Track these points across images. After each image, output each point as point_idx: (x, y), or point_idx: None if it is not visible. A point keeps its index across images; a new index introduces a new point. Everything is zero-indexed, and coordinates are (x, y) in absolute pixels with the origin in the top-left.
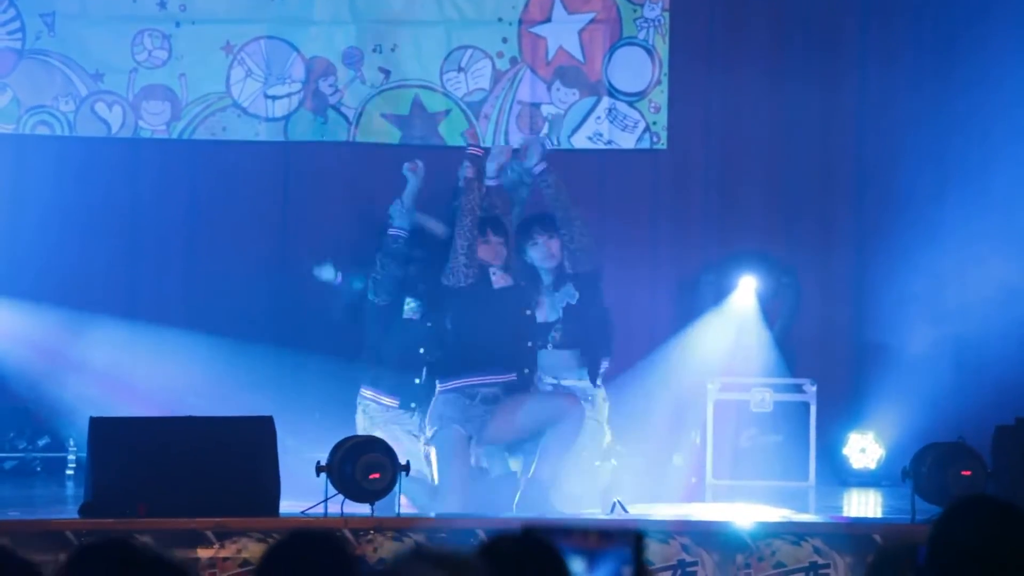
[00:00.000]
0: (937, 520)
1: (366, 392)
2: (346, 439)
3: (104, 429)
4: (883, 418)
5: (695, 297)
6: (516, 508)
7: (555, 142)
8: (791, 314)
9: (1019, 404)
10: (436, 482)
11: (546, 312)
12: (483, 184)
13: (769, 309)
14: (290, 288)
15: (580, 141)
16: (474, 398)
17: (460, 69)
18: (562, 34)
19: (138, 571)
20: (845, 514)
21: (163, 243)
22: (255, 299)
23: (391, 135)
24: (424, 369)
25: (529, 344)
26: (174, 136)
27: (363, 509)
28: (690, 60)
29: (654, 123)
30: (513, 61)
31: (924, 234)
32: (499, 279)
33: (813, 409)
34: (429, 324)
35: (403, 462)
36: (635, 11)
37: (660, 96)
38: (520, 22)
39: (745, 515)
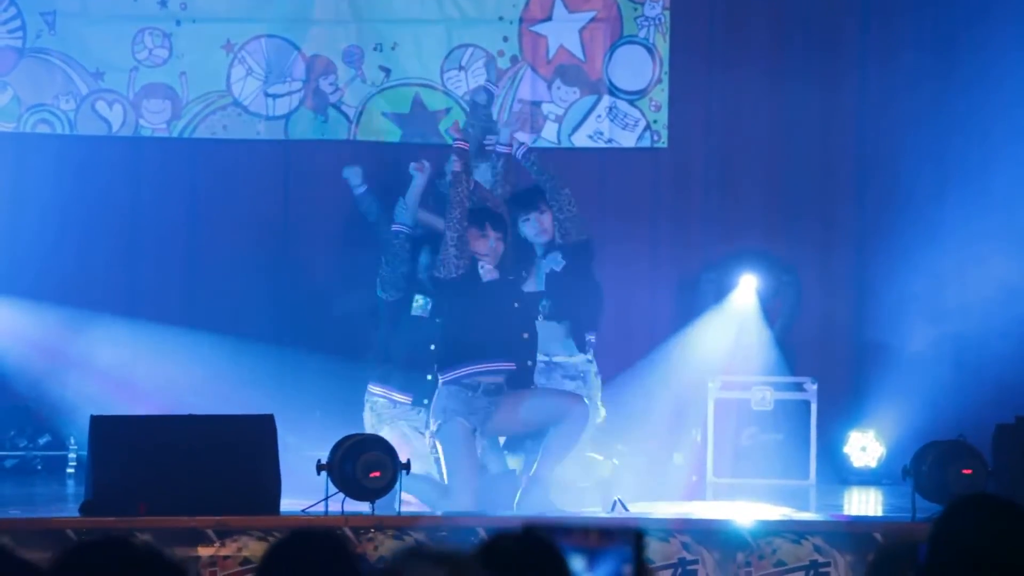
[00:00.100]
0: (938, 519)
1: (374, 388)
2: (347, 437)
3: (105, 427)
4: (884, 416)
5: (696, 295)
6: (517, 507)
7: (557, 140)
8: (792, 313)
9: (1019, 403)
10: (445, 480)
11: (534, 283)
12: (471, 177)
13: (770, 308)
14: (290, 287)
15: (581, 140)
16: (476, 390)
17: (461, 68)
18: (563, 33)
19: (136, 570)
20: (846, 512)
21: (164, 241)
22: (255, 297)
23: (392, 133)
24: (435, 366)
25: (525, 336)
26: (174, 135)
27: (364, 507)
28: (691, 59)
29: (655, 122)
30: (514, 60)
31: (924, 233)
32: (488, 272)
33: (814, 407)
34: (438, 320)
35: (406, 460)
36: (636, 10)
37: (661, 95)
38: (521, 20)
39: (746, 513)
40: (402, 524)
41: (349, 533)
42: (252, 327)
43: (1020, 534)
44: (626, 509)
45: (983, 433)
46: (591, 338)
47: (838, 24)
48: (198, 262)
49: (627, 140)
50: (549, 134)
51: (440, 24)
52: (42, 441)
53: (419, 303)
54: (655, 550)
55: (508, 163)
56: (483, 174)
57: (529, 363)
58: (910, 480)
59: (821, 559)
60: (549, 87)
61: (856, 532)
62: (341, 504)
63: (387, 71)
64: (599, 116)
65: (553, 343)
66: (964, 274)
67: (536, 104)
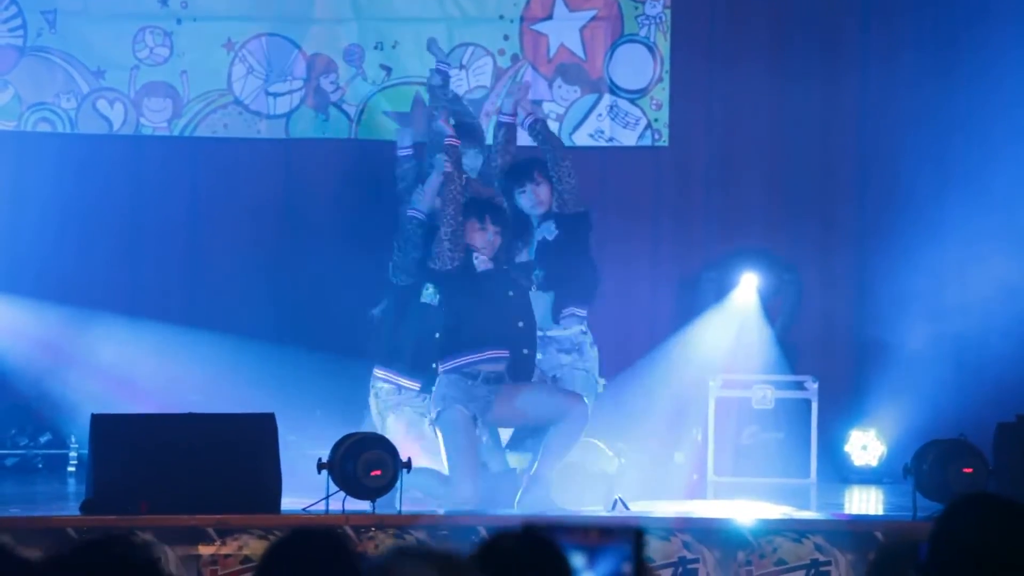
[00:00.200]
0: (939, 518)
1: (379, 373)
2: (348, 436)
3: (106, 426)
4: (884, 415)
5: (696, 294)
6: (518, 505)
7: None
8: (792, 311)
9: (1020, 401)
10: (446, 469)
11: (527, 254)
12: (462, 173)
13: (770, 306)
14: (291, 285)
15: (581, 138)
16: (476, 378)
17: (462, 66)
18: (563, 31)
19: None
20: (846, 511)
21: (164, 240)
22: (256, 296)
23: (392, 132)
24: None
25: (520, 324)
26: (175, 133)
27: (365, 506)
28: (691, 57)
29: (655, 120)
30: (515, 58)
31: (925, 232)
32: (482, 263)
33: (814, 406)
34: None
35: (407, 456)
36: (636, 8)
37: (661, 93)
38: (521, 19)
39: (746, 512)
40: (403, 523)
41: (350, 532)
42: (253, 326)
43: (1021, 533)
44: (627, 508)
45: (984, 432)
46: (576, 312)
47: (839, 23)
48: (199, 261)
49: (628, 139)
50: None
51: (441, 23)
52: (43, 439)
53: (429, 290)
54: (656, 549)
55: (510, 133)
56: (472, 160)
57: (525, 351)
58: (911, 479)
59: (822, 558)
60: (550, 86)
61: (857, 531)
62: (342, 503)
63: (388, 70)
64: (600, 115)
65: (548, 316)
66: (965, 273)
67: (537, 103)
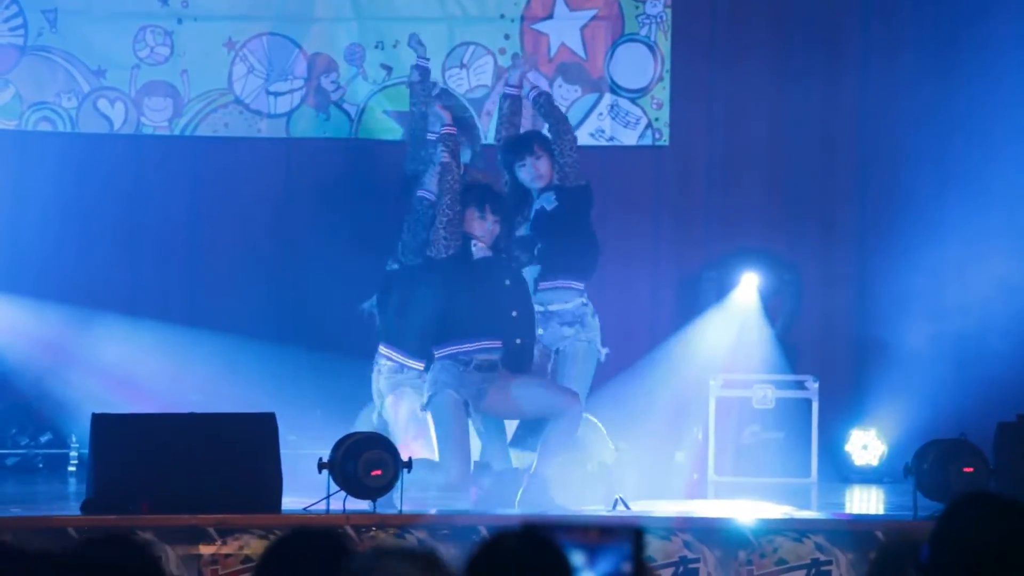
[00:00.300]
0: (939, 517)
1: (384, 350)
2: (348, 435)
3: (106, 426)
4: (885, 415)
5: (697, 294)
6: (518, 504)
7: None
8: (793, 311)
9: (1021, 401)
10: (436, 454)
11: (526, 228)
12: (460, 163)
13: (771, 306)
14: (292, 285)
15: (582, 138)
16: (469, 365)
17: (462, 66)
18: (564, 31)
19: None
20: (847, 511)
21: (165, 240)
22: (257, 295)
23: (393, 131)
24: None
25: (514, 314)
26: (176, 133)
27: (365, 506)
28: (692, 57)
29: (656, 120)
30: (515, 58)
31: (925, 231)
32: (480, 250)
33: (815, 406)
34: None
35: (407, 452)
36: (637, 7)
37: (662, 93)
38: (522, 19)
39: (747, 512)
40: (404, 522)
41: (350, 531)
42: (253, 325)
43: (1022, 533)
44: (628, 507)
45: (985, 431)
46: (573, 284)
47: (839, 23)
48: (199, 260)
49: (629, 138)
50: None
51: (442, 22)
52: (43, 439)
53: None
54: (657, 548)
55: (514, 105)
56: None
57: (518, 341)
58: (911, 478)
59: (823, 557)
60: (551, 85)
61: (858, 530)
62: (343, 502)
63: (388, 69)
64: (600, 114)
65: (547, 291)
66: (965, 272)
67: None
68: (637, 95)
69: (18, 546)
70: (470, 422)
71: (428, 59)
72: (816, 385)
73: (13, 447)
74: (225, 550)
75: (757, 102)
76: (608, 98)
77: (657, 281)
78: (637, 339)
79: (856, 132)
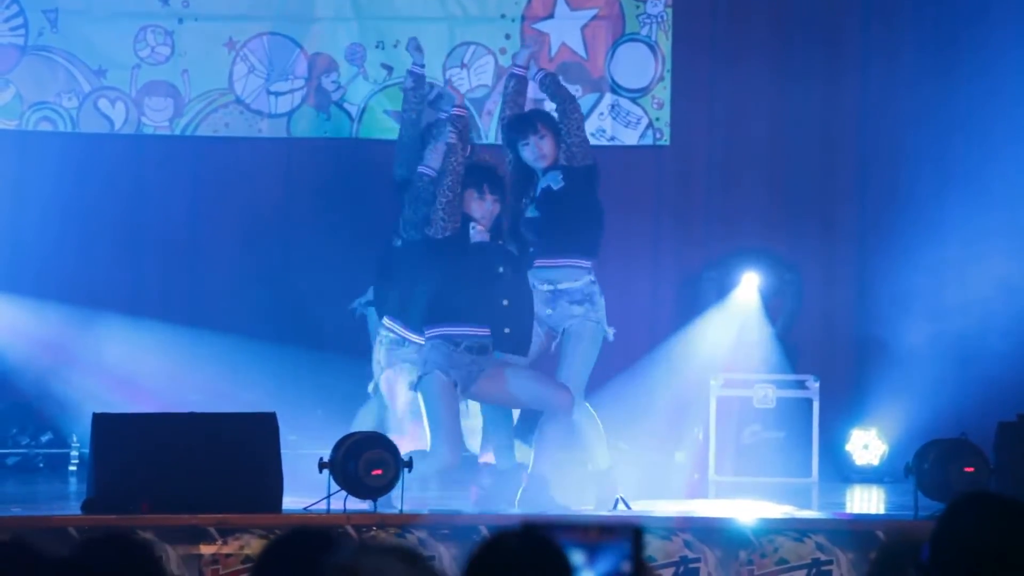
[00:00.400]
0: (940, 517)
1: (387, 323)
2: (349, 435)
3: (107, 425)
4: (886, 414)
5: (697, 293)
6: (519, 504)
7: None
8: (793, 310)
9: (1021, 400)
10: (427, 436)
11: (532, 208)
12: (467, 145)
13: (771, 305)
14: (292, 285)
15: None
16: (459, 346)
17: (463, 65)
18: (565, 30)
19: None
20: (848, 510)
21: (166, 239)
22: (258, 295)
23: (394, 131)
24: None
25: (505, 303)
26: (177, 132)
27: (366, 505)
28: (693, 56)
29: (657, 119)
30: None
31: (925, 231)
32: (478, 233)
33: (816, 405)
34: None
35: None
36: (638, 7)
37: (663, 92)
38: (523, 18)
39: (748, 511)
40: (404, 522)
41: (351, 531)
42: (254, 325)
43: (1022, 533)
44: (628, 507)
45: (985, 431)
46: (580, 263)
47: (839, 23)
48: (200, 260)
49: (629, 138)
50: None
51: (442, 22)
52: (44, 439)
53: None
54: (657, 548)
55: (520, 85)
56: None
57: (507, 330)
58: (912, 478)
59: (823, 557)
60: None
61: (858, 530)
62: (343, 502)
63: (389, 69)
64: (601, 114)
65: (555, 269)
66: (965, 272)
67: (538, 102)
68: (638, 95)
69: (18, 546)
70: (478, 409)
71: (423, 65)
72: (817, 385)
73: (14, 447)
74: (226, 550)
75: (757, 102)
76: (609, 98)
77: (657, 281)
78: (637, 339)
79: (856, 132)
